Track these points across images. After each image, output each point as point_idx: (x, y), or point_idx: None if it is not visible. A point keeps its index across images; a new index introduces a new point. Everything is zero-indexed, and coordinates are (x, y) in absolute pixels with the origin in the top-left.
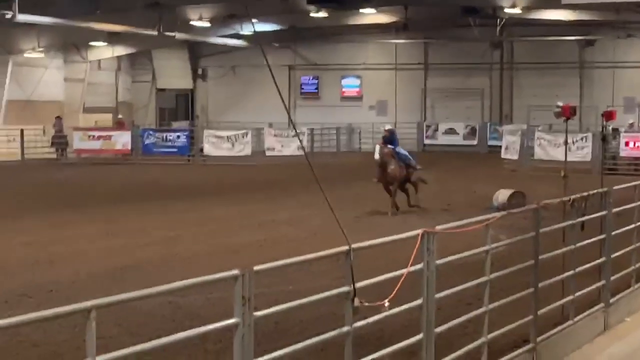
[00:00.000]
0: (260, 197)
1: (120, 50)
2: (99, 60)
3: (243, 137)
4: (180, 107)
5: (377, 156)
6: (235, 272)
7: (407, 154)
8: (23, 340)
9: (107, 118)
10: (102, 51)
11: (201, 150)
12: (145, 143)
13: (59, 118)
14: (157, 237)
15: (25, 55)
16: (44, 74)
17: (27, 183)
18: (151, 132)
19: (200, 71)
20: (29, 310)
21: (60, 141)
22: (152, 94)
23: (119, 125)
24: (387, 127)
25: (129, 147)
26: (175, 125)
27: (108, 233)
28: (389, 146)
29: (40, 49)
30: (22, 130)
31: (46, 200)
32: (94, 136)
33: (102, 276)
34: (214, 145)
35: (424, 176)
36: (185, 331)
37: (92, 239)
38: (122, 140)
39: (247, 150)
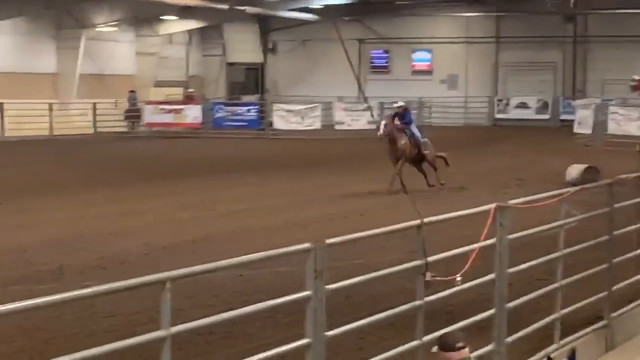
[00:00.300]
0: (329, 171)
1: (191, 24)
2: (170, 34)
3: (312, 111)
4: (250, 81)
5: (380, 132)
6: (307, 245)
7: (419, 135)
8: (97, 311)
9: (177, 92)
10: (173, 25)
11: (271, 124)
12: (216, 117)
13: (132, 92)
14: (226, 211)
15: (98, 29)
16: (116, 48)
17: (100, 156)
18: (221, 106)
19: (270, 45)
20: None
21: (133, 115)
22: (223, 68)
23: (189, 99)
24: (400, 103)
25: (200, 121)
26: (245, 99)
27: (179, 206)
28: (397, 123)
29: (113, 23)
30: (94, 104)
31: (118, 174)
32: (165, 110)
33: (173, 249)
34: (283, 119)
35: (447, 158)
36: (255, 304)
37: (163, 212)
38: (193, 114)
39: (317, 124)
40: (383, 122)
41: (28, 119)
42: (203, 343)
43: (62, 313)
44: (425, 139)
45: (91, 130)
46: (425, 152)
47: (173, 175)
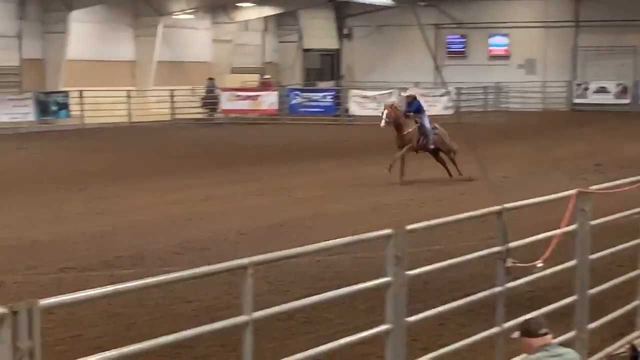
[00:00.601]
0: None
1: (267, 11)
2: (246, 21)
3: (388, 96)
4: (326, 67)
5: (382, 124)
6: (388, 231)
7: (429, 127)
8: (177, 296)
9: (253, 79)
10: (250, 12)
11: (347, 110)
12: (292, 103)
13: (211, 79)
14: (303, 197)
15: (175, 17)
16: (192, 36)
17: (177, 143)
18: (297, 92)
19: (346, 31)
20: (182, 268)
21: (210, 101)
22: (298, 54)
23: (264, 85)
24: (409, 92)
25: (276, 107)
26: (321, 85)
27: (256, 192)
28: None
29: (189, 11)
30: (171, 91)
31: (196, 160)
32: (241, 96)
33: (251, 235)
34: (359, 105)
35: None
36: (335, 290)
37: (241, 198)
38: (269, 100)
39: None
40: (385, 112)
41: (107, 106)
42: (282, 329)
43: (143, 298)
44: (438, 130)
45: (168, 117)
46: (431, 146)
47: (250, 161)
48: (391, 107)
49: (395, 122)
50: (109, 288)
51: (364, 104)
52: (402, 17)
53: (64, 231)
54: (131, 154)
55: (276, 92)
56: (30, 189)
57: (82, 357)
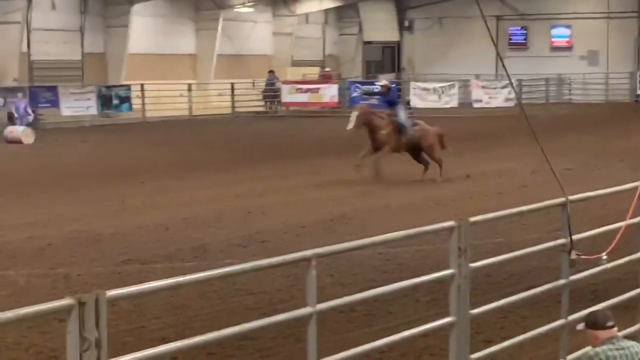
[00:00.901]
0: (467, 149)
1: (328, 4)
2: (307, 14)
3: (449, 89)
4: (387, 59)
5: (350, 127)
6: (452, 223)
7: (406, 120)
8: (239, 288)
9: (314, 71)
10: (310, 4)
11: (407, 102)
12: (352, 96)
13: (271, 72)
14: (364, 189)
15: (235, 10)
16: (253, 29)
17: (238, 136)
18: (358, 85)
19: (406, 23)
20: (244, 260)
21: (271, 94)
22: (359, 47)
23: (325, 78)
24: (383, 82)
25: (336, 100)
26: (382, 77)
27: (317, 185)
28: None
29: (250, 4)
30: (232, 84)
31: (257, 153)
32: (301, 89)
33: (312, 227)
34: (420, 97)
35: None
36: (398, 282)
37: (301, 191)
38: (330, 93)
39: (454, 102)
40: (354, 114)
41: (168, 99)
42: (344, 321)
43: (206, 290)
44: (418, 123)
45: (229, 110)
46: (410, 133)
47: (310, 154)
48: (361, 109)
49: (368, 123)
50: (173, 280)
51: (424, 96)
52: (463, 9)
53: (126, 224)
54: (192, 147)
55: (336, 85)
56: (93, 182)
57: (146, 348)
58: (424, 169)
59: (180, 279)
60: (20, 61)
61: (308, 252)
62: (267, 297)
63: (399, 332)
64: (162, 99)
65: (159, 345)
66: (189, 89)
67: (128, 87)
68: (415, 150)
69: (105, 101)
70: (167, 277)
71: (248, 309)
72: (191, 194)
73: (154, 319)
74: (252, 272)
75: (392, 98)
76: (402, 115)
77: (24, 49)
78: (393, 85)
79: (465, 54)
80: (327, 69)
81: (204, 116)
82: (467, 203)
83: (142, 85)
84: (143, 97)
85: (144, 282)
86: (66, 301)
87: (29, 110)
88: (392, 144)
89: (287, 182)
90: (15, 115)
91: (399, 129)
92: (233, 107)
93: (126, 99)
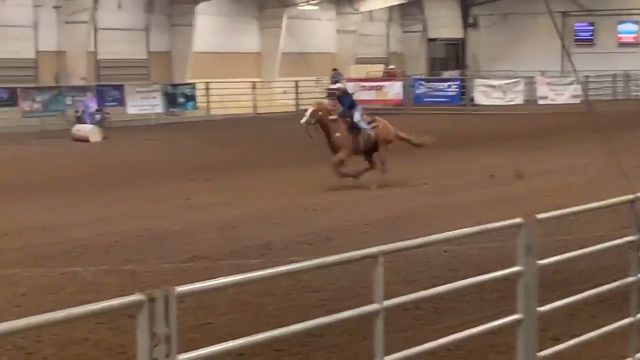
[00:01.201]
0: (532, 146)
1: (392, 1)
2: (371, 11)
3: (514, 85)
4: (451, 56)
5: (302, 120)
6: (519, 220)
7: (361, 121)
8: (305, 286)
9: (378, 69)
10: (374, 2)
11: (472, 99)
12: (416, 93)
13: (336, 70)
14: (430, 186)
15: (299, 8)
16: (316, 27)
17: (303, 133)
18: (422, 82)
19: (471, 20)
20: (309, 257)
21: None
22: (423, 44)
23: (389, 75)
24: (338, 84)
25: (400, 97)
26: (446, 74)
27: (381, 182)
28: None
29: (314, 2)
30: (296, 82)
31: (321, 151)
32: (365, 87)
33: (377, 225)
34: (484, 94)
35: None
36: (464, 280)
37: (366, 188)
38: (394, 90)
39: (519, 99)
40: (310, 109)
41: (232, 97)
42: (409, 318)
43: (271, 287)
44: (377, 120)
45: (293, 108)
46: (369, 132)
47: None
48: (318, 106)
49: (322, 124)
50: (241, 276)
51: (489, 93)
52: (529, 5)
53: (192, 221)
54: (257, 145)
55: (401, 82)
56: (159, 179)
57: (213, 344)
58: (370, 167)
59: (248, 275)
60: (87, 60)
61: (374, 249)
62: (332, 294)
63: (465, 329)
64: (226, 97)
65: (225, 341)
66: (253, 87)
67: (193, 86)
68: (373, 148)
69: (170, 99)
70: (233, 274)
71: (313, 306)
72: (257, 191)
73: (220, 316)
74: (319, 269)
75: (347, 101)
76: (357, 116)
77: (91, 48)
78: (350, 90)
79: (531, 51)
80: (391, 67)
81: (268, 114)
82: (533, 200)
83: (207, 83)
84: (208, 95)
85: (210, 278)
86: (136, 297)
87: (97, 109)
88: (349, 148)
89: (352, 179)
90: (84, 113)
91: (353, 130)
92: (297, 104)
93: (191, 97)
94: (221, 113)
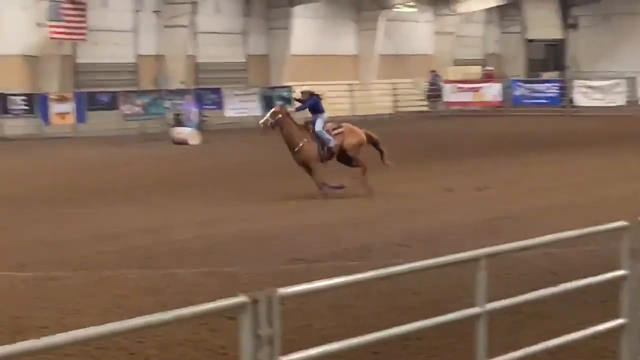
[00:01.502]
0: (634, 148)
1: (491, 2)
2: (468, 13)
3: (616, 86)
4: (550, 57)
5: (261, 122)
6: (623, 223)
7: (323, 132)
8: (403, 288)
9: (476, 70)
10: (472, 3)
11: (571, 100)
12: (515, 94)
13: (434, 72)
14: (528, 189)
15: (396, 10)
16: (414, 28)
17: (401, 135)
18: (520, 84)
19: (571, 20)
20: (408, 260)
21: (433, 94)
22: (521, 45)
23: (487, 77)
24: (304, 88)
25: (499, 99)
26: (545, 76)
27: (480, 184)
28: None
29: (411, 4)
30: (393, 84)
31: (420, 152)
32: (463, 88)
33: (476, 227)
34: (585, 95)
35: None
36: (566, 283)
37: (466, 190)
38: (492, 92)
39: (621, 100)
40: (271, 110)
41: (329, 100)
42: (510, 322)
43: (370, 290)
44: (342, 126)
45: (391, 110)
46: (331, 144)
47: (474, 153)
48: (280, 109)
49: (283, 132)
50: (342, 279)
51: (589, 95)
52: (630, 5)
53: (291, 223)
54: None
55: (499, 84)
56: (258, 182)
57: (313, 347)
58: (360, 170)
59: (349, 277)
60: (186, 64)
61: (477, 252)
62: (431, 297)
63: (567, 334)
64: (325, 99)
65: (324, 344)
66: (351, 90)
67: (290, 88)
68: (345, 155)
69: (268, 102)
70: (333, 277)
71: (412, 309)
72: (352, 193)
73: (319, 318)
74: (420, 271)
75: (312, 106)
76: (318, 124)
77: (190, 52)
78: (316, 94)
79: (632, 51)
80: (489, 68)
81: (366, 116)
82: (632, 203)
83: (304, 86)
84: None
85: (309, 281)
86: (240, 299)
87: (197, 113)
88: (316, 158)
89: (450, 181)
90: (185, 117)
91: (316, 139)
92: (395, 107)
93: (288, 100)
94: None
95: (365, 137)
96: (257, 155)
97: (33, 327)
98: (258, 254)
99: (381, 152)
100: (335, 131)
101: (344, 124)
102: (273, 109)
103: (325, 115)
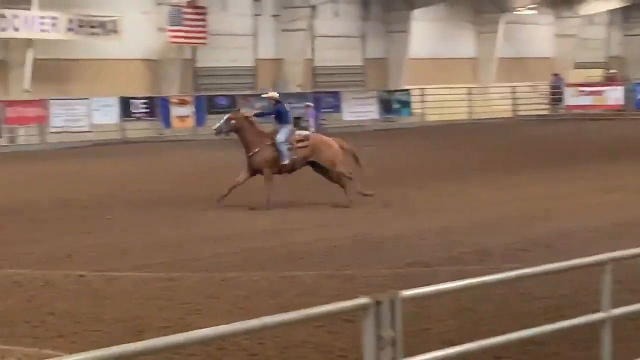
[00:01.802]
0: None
1: (614, 3)
2: (591, 15)
3: None
4: None
5: (215, 126)
6: None
7: (283, 144)
8: (524, 292)
9: (597, 73)
10: (595, 5)
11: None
12: (638, 98)
13: (556, 75)
14: None
15: (516, 12)
16: (534, 31)
17: (520, 139)
18: None
19: None
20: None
21: (555, 97)
22: None
23: (610, 80)
24: (270, 92)
25: (621, 103)
26: None
27: (603, 189)
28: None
29: (532, 6)
30: (513, 87)
31: (540, 157)
32: (584, 92)
33: (599, 232)
34: None
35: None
36: None
37: (587, 195)
38: (614, 95)
39: None
40: (225, 117)
41: (447, 103)
42: (633, 328)
43: (490, 294)
44: (308, 138)
45: (510, 114)
46: (286, 161)
47: (594, 158)
48: (235, 115)
49: (240, 135)
50: (463, 282)
51: None
52: None
53: (409, 227)
54: (473, 151)
55: (621, 87)
56: (375, 185)
57: (433, 350)
58: (344, 189)
59: (470, 281)
60: (304, 67)
61: (603, 256)
62: (552, 303)
63: None
64: (441, 103)
65: (444, 347)
66: (469, 93)
67: (408, 92)
68: (318, 168)
69: (385, 106)
70: (451, 280)
71: (533, 314)
72: (474, 198)
73: (438, 322)
74: (542, 275)
75: (276, 112)
76: (280, 135)
77: (308, 55)
78: (281, 100)
79: None
80: (611, 71)
81: (483, 120)
82: None
83: (422, 89)
84: (423, 101)
85: (427, 284)
86: (362, 300)
87: (317, 117)
88: (270, 166)
89: (571, 185)
90: (305, 120)
91: (276, 149)
92: (514, 110)
93: (406, 104)
94: (436, 119)
95: (338, 146)
96: (375, 159)
97: (155, 327)
98: (376, 257)
99: (356, 159)
100: (300, 144)
101: (311, 136)
102: (227, 116)
103: (290, 126)
